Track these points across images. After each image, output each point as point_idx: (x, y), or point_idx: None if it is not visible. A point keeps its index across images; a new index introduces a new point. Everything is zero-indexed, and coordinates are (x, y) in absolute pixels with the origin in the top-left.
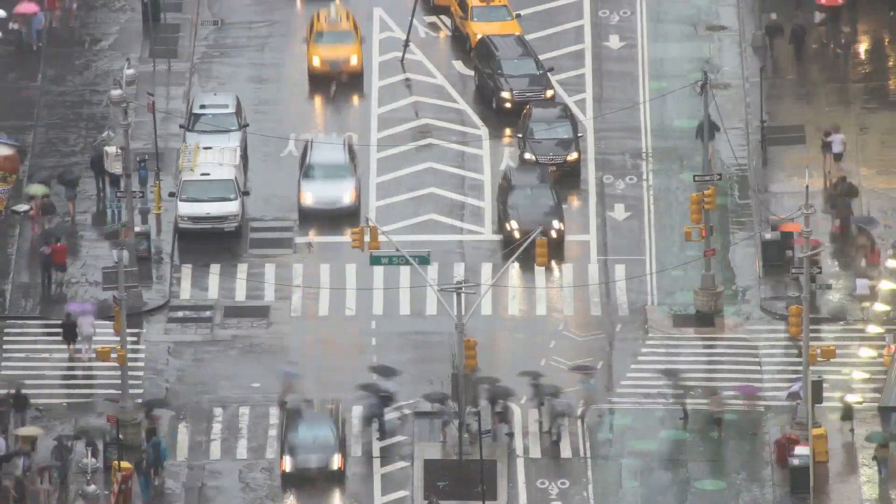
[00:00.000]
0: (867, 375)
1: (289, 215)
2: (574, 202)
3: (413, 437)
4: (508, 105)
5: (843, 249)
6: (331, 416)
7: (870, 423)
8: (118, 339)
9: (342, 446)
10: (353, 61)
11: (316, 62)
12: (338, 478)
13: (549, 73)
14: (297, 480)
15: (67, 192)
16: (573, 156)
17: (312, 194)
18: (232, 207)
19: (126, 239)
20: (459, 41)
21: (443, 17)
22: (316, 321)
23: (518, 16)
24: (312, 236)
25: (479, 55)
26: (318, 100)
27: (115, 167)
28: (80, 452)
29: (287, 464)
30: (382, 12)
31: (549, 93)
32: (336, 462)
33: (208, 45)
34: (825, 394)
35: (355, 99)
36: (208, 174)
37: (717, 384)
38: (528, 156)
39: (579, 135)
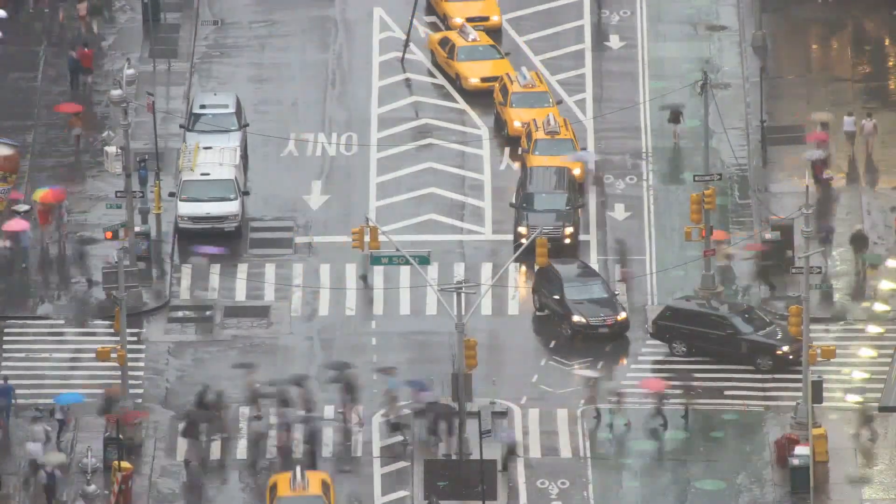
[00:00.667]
0: (867, 375)
1: (289, 215)
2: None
3: (413, 438)
4: (524, 241)
5: None
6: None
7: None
8: (118, 339)
9: None
10: None
11: None
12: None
13: (579, 209)
14: None
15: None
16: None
17: None
18: (232, 207)
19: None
20: (499, 124)
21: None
22: (316, 321)
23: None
24: (313, 236)
25: (518, 186)
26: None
27: (115, 167)
28: (80, 452)
29: None
30: (382, 12)
31: (569, 230)
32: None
33: (208, 45)
34: (826, 394)
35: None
36: (208, 174)
37: (717, 384)
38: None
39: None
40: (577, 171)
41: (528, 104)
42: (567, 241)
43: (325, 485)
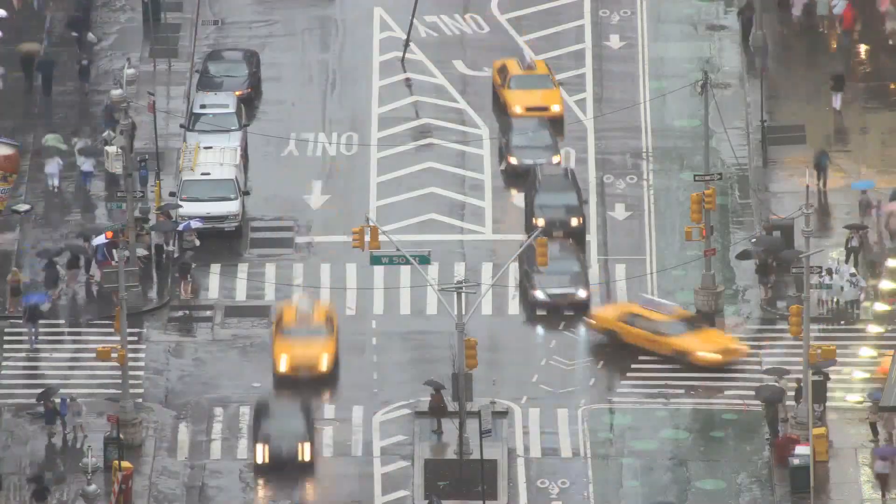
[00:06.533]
0: (867, 375)
1: (289, 215)
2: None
3: (413, 437)
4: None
5: None
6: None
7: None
8: (118, 338)
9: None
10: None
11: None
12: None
13: (584, 204)
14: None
15: None
16: None
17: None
18: (232, 207)
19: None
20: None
21: (443, 15)
22: None
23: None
24: (313, 236)
25: (527, 185)
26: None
27: (116, 167)
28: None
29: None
30: (382, 12)
31: (575, 221)
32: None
33: (208, 45)
34: (828, 393)
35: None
36: (209, 174)
37: (717, 383)
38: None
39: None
40: (556, 108)
41: (529, 87)
42: (559, 161)
43: (328, 317)
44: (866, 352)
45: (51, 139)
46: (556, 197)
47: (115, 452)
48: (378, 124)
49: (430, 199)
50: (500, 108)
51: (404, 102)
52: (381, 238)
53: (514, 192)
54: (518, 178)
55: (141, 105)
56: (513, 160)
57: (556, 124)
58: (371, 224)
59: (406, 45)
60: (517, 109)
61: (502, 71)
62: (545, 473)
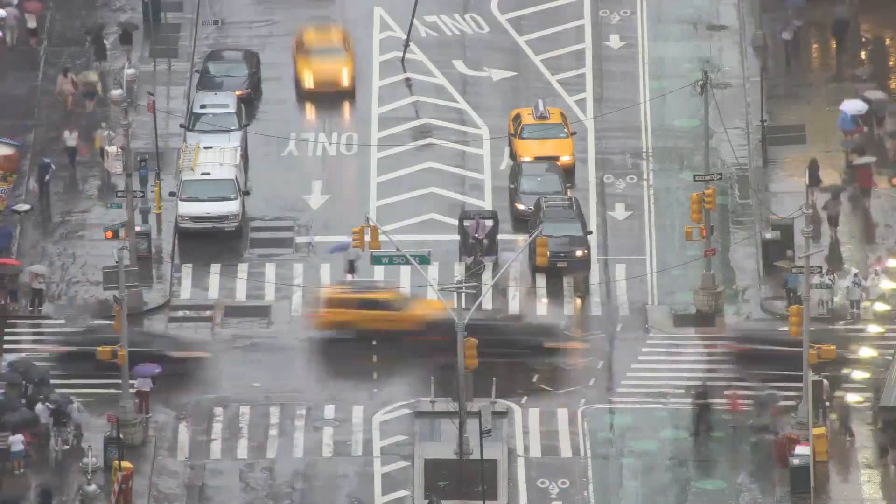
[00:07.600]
0: (867, 375)
1: (289, 215)
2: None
3: (413, 437)
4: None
5: None
6: None
7: (870, 423)
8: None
9: None
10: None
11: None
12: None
13: (588, 235)
14: None
15: None
16: None
17: None
18: (232, 207)
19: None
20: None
21: (443, 15)
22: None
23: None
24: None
25: (532, 216)
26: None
27: (116, 167)
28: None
29: None
30: (382, 12)
31: (580, 252)
32: None
33: (208, 45)
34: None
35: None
36: (209, 174)
37: (717, 384)
38: None
39: None
40: (566, 158)
41: (540, 136)
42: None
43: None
44: (866, 352)
45: None
46: (560, 228)
47: (115, 452)
48: (378, 124)
49: (430, 199)
50: (514, 158)
51: (404, 102)
52: (381, 238)
53: (520, 239)
54: (526, 223)
55: (141, 105)
56: (521, 206)
57: (567, 172)
58: (371, 224)
59: (406, 45)
60: (526, 160)
61: (516, 120)
62: (545, 473)
